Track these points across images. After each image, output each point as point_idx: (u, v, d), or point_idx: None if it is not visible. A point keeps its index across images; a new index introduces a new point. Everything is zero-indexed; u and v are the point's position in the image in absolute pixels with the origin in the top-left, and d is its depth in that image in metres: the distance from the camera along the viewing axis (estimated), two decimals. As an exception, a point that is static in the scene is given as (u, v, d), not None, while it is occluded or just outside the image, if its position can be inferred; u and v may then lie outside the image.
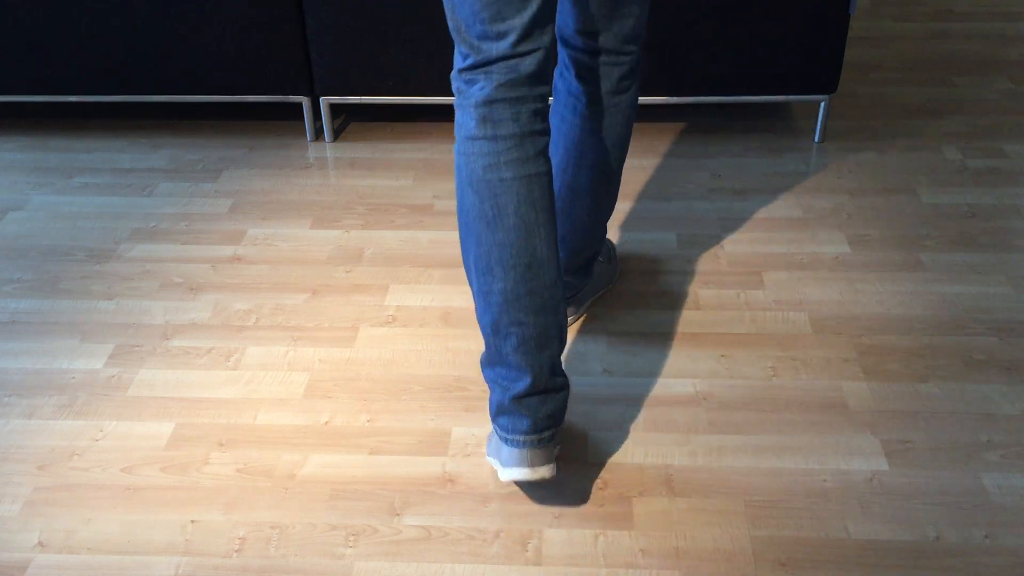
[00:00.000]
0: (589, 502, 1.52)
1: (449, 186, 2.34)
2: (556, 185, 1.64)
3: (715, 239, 2.13)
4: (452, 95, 2.44)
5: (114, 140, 2.59)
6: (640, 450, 1.61)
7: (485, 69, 1.35)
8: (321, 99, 2.49)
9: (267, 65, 2.43)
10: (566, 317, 1.45)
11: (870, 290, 1.96)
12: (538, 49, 1.34)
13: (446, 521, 1.50)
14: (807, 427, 1.65)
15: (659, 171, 2.39)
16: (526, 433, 1.43)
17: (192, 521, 1.51)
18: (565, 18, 1.52)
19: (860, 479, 1.55)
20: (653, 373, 1.77)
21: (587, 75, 1.55)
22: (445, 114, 2.67)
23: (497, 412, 1.46)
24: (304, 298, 1.98)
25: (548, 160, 1.39)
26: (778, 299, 1.94)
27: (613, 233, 2.16)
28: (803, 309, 1.91)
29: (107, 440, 1.66)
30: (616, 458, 1.60)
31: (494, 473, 1.57)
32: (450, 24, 1.36)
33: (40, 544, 1.48)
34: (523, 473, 1.44)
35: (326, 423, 1.68)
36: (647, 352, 1.82)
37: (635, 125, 2.60)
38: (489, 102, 1.35)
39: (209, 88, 2.47)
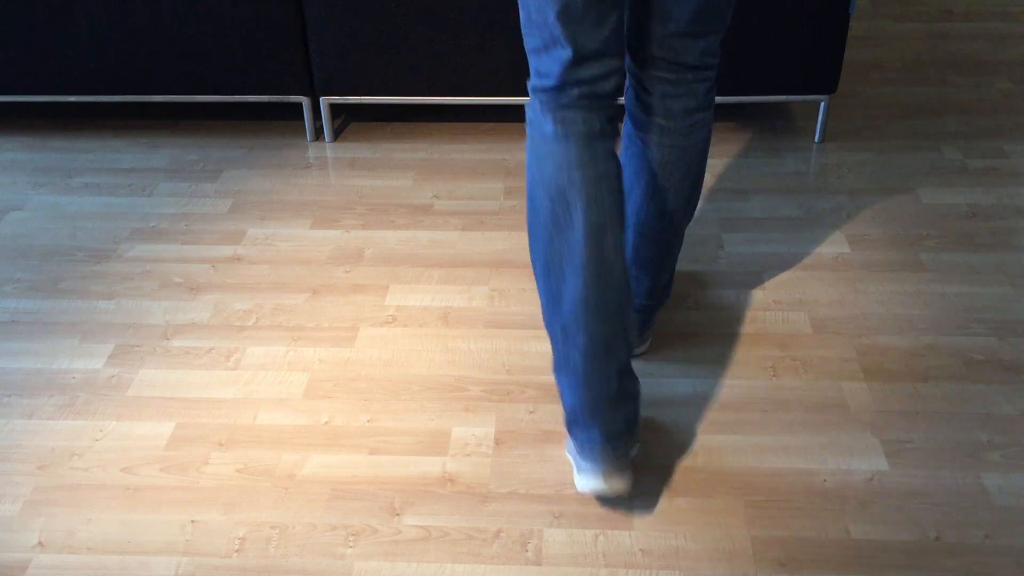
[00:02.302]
0: (589, 502, 1.52)
1: (449, 186, 2.34)
2: (643, 212, 1.59)
3: (715, 239, 2.13)
4: (452, 95, 2.45)
5: (114, 140, 2.59)
6: (640, 450, 1.61)
7: (558, 87, 1.35)
8: (321, 99, 2.49)
9: (267, 65, 2.43)
10: (633, 324, 1.44)
11: (870, 290, 1.96)
12: (612, 73, 1.35)
13: (446, 521, 1.50)
14: (807, 427, 1.65)
15: (659, 171, 2.39)
16: (600, 443, 1.42)
17: (192, 521, 1.51)
18: (646, 36, 1.45)
19: (860, 479, 1.55)
20: (653, 373, 1.77)
21: (671, 93, 1.48)
22: (445, 114, 2.67)
23: (570, 421, 1.44)
24: (304, 298, 1.98)
25: (618, 162, 1.38)
26: (778, 299, 1.94)
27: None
28: (803, 309, 1.91)
29: (107, 440, 1.66)
30: (616, 458, 1.60)
31: (494, 473, 1.58)
32: (526, 42, 1.36)
33: (40, 544, 1.48)
34: (598, 486, 1.44)
35: (326, 423, 1.68)
36: (647, 352, 1.82)
37: (635, 125, 2.60)
38: (564, 106, 1.35)
39: (209, 88, 2.47)
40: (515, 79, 2.42)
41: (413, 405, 1.72)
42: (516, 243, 2.13)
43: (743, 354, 1.81)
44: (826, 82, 2.38)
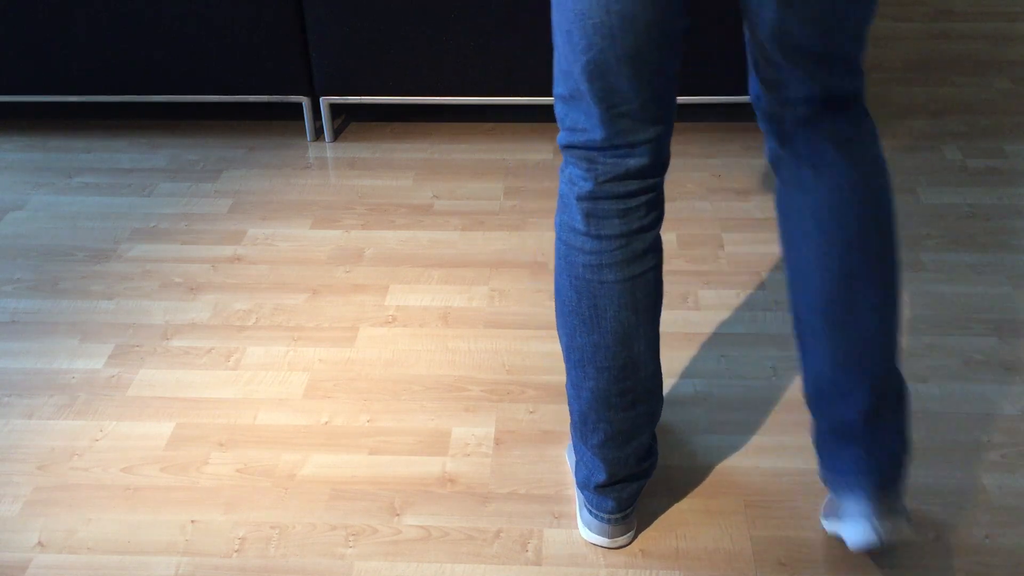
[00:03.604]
0: (589, 502, 1.52)
1: (449, 186, 2.34)
2: (825, 288, 1.25)
3: (715, 239, 2.13)
4: (452, 95, 2.45)
5: (114, 140, 2.59)
6: (640, 450, 1.61)
7: (587, 155, 1.21)
8: (321, 99, 2.49)
9: (267, 65, 2.43)
10: (660, 402, 1.38)
11: (870, 290, 1.96)
12: (650, 141, 1.20)
13: (446, 521, 1.50)
14: (807, 427, 1.65)
15: (659, 171, 2.39)
16: (610, 512, 1.42)
17: (192, 521, 1.51)
18: (785, 75, 1.20)
19: (860, 479, 1.55)
20: (653, 373, 1.77)
21: (817, 119, 1.23)
22: (445, 114, 2.67)
23: (582, 486, 1.43)
24: (304, 298, 1.98)
25: (656, 254, 1.26)
26: (778, 299, 1.94)
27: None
28: (803, 309, 1.91)
29: (107, 440, 1.66)
30: (616, 458, 1.60)
31: (494, 473, 1.58)
32: (556, 84, 1.20)
33: (40, 544, 1.48)
34: (603, 542, 1.44)
35: (326, 423, 1.68)
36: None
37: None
38: (593, 197, 1.21)
39: (209, 88, 2.47)
40: (515, 79, 2.42)
41: (413, 405, 1.71)
42: (516, 243, 2.13)
43: (743, 354, 1.81)
44: (826, 82, 2.38)
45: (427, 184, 2.36)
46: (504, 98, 2.45)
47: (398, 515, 1.51)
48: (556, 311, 1.33)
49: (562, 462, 1.59)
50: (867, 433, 1.28)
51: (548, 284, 2.00)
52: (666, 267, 2.04)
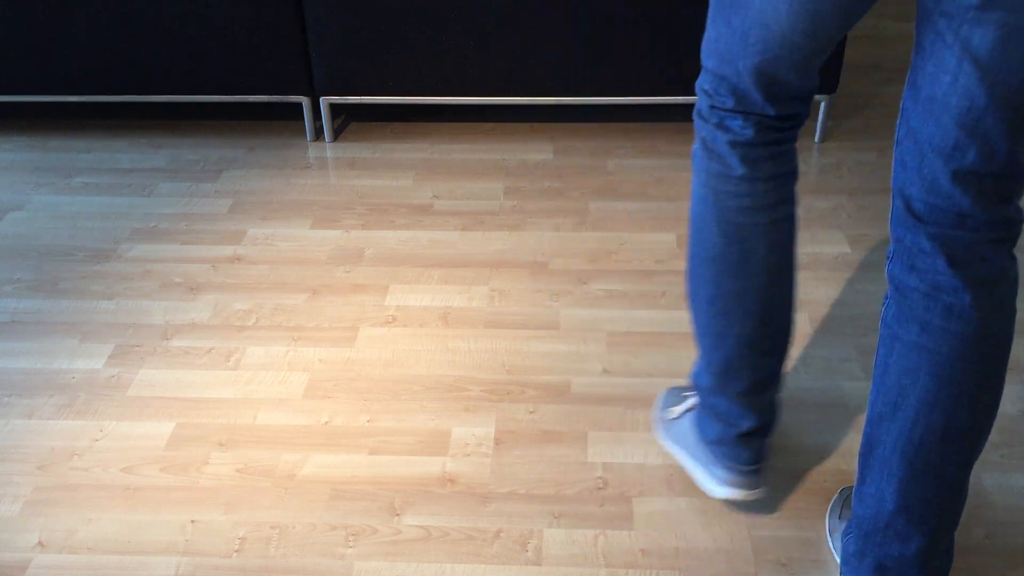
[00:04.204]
0: (589, 502, 1.52)
1: (449, 186, 2.34)
2: (917, 437, 1.18)
3: (715, 239, 2.13)
4: (452, 95, 2.45)
5: (114, 140, 2.59)
6: (640, 450, 1.61)
7: (743, 114, 1.24)
8: (321, 99, 2.49)
9: (267, 65, 2.43)
10: (788, 352, 1.41)
11: (870, 290, 1.96)
12: (800, 113, 1.25)
13: (446, 521, 1.50)
14: (807, 427, 1.65)
15: (659, 171, 2.39)
16: (748, 464, 1.43)
17: (192, 521, 1.51)
18: (932, 173, 1.09)
19: (860, 479, 1.55)
20: (653, 373, 1.77)
21: (963, 252, 1.10)
22: (445, 114, 2.67)
23: (717, 440, 1.43)
24: (304, 298, 1.98)
25: (795, 197, 1.29)
26: (778, 299, 1.94)
27: (616, 238, 2.16)
28: (803, 309, 1.91)
29: (107, 440, 1.66)
30: (616, 458, 1.60)
31: (494, 473, 1.58)
32: (709, 58, 1.22)
33: (40, 544, 1.48)
34: (740, 495, 1.45)
35: (326, 423, 1.68)
36: (647, 352, 1.82)
37: (636, 125, 2.60)
38: (751, 144, 1.24)
39: (209, 88, 2.47)
40: (515, 79, 2.42)
41: (413, 405, 1.71)
42: (516, 243, 2.13)
43: (743, 354, 1.81)
44: (826, 82, 2.38)
45: (427, 184, 2.36)
46: (504, 98, 2.45)
47: (398, 515, 1.51)
48: (693, 268, 1.34)
49: (562, 462, 1.59)
50: (919, 567, 1.25)
51: (548, 284, 2.00)
52: (666, 267, 2.04)
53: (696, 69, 2.37)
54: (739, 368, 1.36)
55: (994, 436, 1.62)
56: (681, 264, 2.05)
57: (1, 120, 2.69)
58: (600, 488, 1.55)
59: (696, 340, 1.40)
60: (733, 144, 1.25)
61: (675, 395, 1.60)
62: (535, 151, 2.49)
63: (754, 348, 1.34)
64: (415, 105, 2.69)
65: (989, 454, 1.59)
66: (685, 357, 1.80)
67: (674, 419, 1.55)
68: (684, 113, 2.63)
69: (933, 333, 1.13)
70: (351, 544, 1.47)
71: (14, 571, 1.43)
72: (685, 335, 1.86)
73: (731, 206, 1.27)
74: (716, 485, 1.46)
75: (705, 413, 1.44)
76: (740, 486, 1.44)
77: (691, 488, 1.54)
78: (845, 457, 1.58)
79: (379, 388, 1.75)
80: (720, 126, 1.26)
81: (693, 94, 2.42)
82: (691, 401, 1.51)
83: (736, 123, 1.24)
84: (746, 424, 1.40)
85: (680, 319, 1.90)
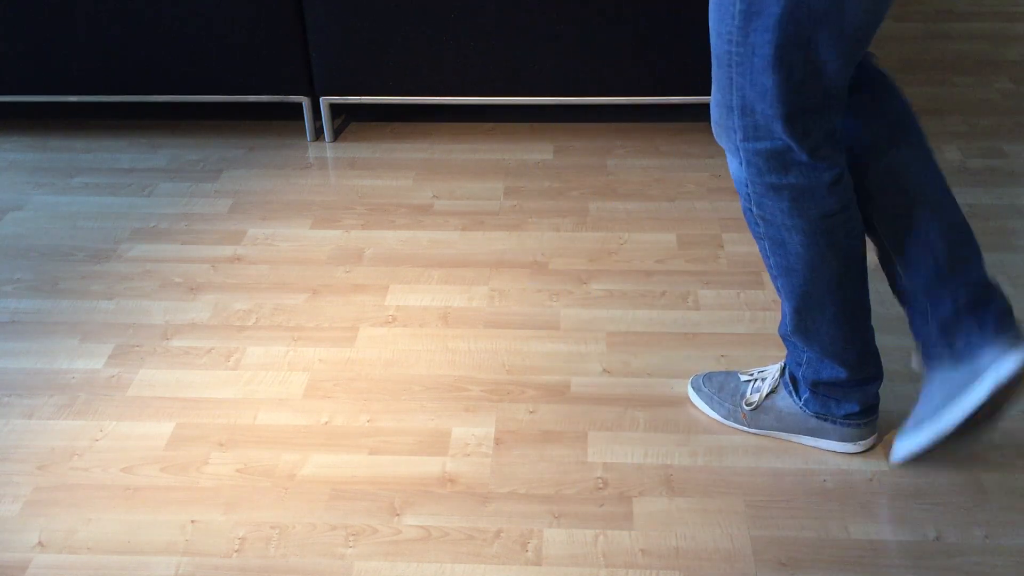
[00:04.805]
0: (589, 502, 1.52)
1: (449, 186, 2.34)
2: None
3: (715, 239, 2.13)
4: (452, 95, 2.45)
5: (114, 140, 2.59)
6: (640, 450, 1.61)
7: (836, 147, 1.35)
8: (321, 99, 2.49)
9: (267, 65, 2.43)
10: None
11: (870, 290, 1.96)
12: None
13: (446, 521, 1.50)
14: (807, 427, 1.65)
15: (659, 171, 2.39)
16: (873, 417, 1.58)
17: (192, 521, 1.51)
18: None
19: (860, 479, 1.55)
20: (653, 373, 1.77)
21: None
22: (445, 114, 2.67)
23: (857, 413, 1.55)
24: (304, 298, 1.98)
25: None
26: (778, 299, 1.94)
27: (616, 238, 2.16)
28: (803, 309, 1.91)
29: (107, 440, 1.66)
30: (616, 458, 1.60)
31: (494, 473, 1.57)
32: (799, 99, 1.29)
33: (40, 544, 1.48)
34: (869, 443, 1.59)
35: (326, 423, 1.68)
36: (647, 352, 1.82)
37: (636, 125, 2.61)
38: (839, 179, 1.36)
39: (209, 88, 2.47)
40: (515, 79, 2.42)
41: (413, 405, 1.71)
42: (516, 243, 2.13)
43: (743, 354, 1.81)
44: (826, 82, 2.38)
45: (427, 184, 2.36)
46: (504, 98, 2.45)
47: (398, 515, 1.51)
48: (809, 305, 1.46)
49: (562, 461, 1.59)
50: (995, 283, 1.46)
51: (548, 284, 2.00)
52: (666, 267, 2.04)
53: (696, 71, 2.37)
54: (872, 353, 1.52)
55: (994, 436, 1.62)
56: (681, 264, 2.05)
57: (1, 120, 2.69)
58: (600, 488, 1.55)
59: (817, 351, 1.51)
60: (833, 183, 1.35)
61: (726, 383, 1.66)
62: (535, 151, 2.49)
63: (869, 325, 1.51)
64: (415, 105, 2.69)
65: (989, 454, 1.59)
66: (685, 357, 1.80)
67: (758, 407, 1.62)
68: (684, 113, 2.63)
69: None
70: (351, 544, 1.47)
71: (14, 571, 1.43)
72: (685, 335, 1.86)
73: (845, 240, 1.40)
74: (847, 445, 1.58)
75: (829, 397, 1.55)
76: (871, 435, 1.58)
77: (691, 488, 1.54)
78: (846, 457, 1.58)
79: (379, 388, 1.75)
80: (814, 172, 1.35)
81: (693, 94, 2.42)
82: (764, 385, 1.61)
83: (834, 158, 1.35)
84: (876, 371, 1.54)
85: (680, 319, 1.90)
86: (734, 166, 1.40)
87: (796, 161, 1.33)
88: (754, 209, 1.40)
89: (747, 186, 1.38)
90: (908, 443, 1.47)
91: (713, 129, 1.39)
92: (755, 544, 1.45)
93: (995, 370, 1.39)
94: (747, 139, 1.33)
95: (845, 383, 1.53)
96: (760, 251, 1.47)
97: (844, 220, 1.38)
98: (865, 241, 1.45)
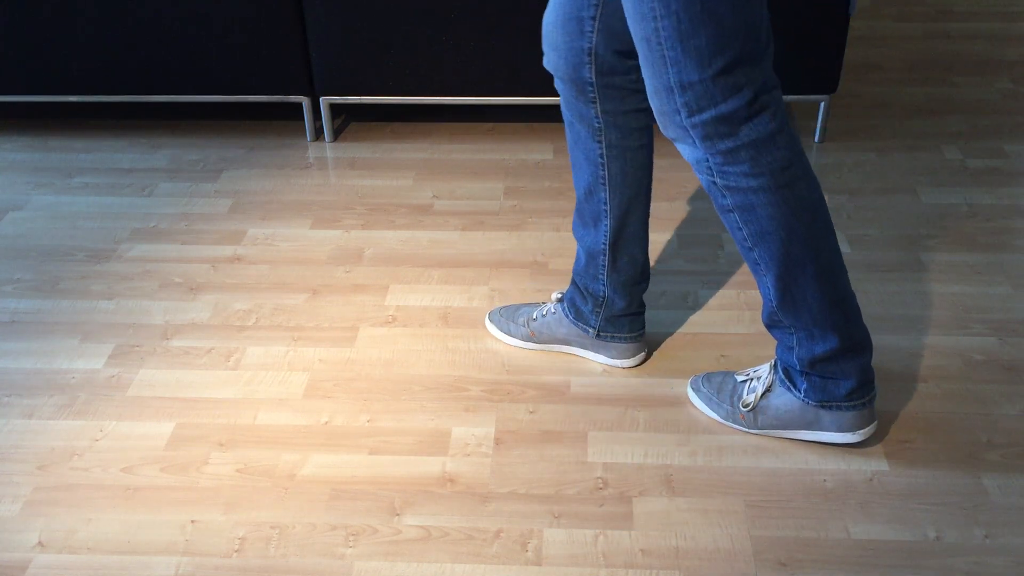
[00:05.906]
0: (589, 502, 1.52)
1: (449, 186, 2.34)
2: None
3: (715, 239, 2.13)
4: (452, 95, 2.45)
5: (114, 140, 2.59)
6: (640, 450, 1.61)
7: (773, 95, 1.36)
8: (321, 99, 2.49)
9: (267, 65, 2.43)
10: None
11: (870, 290, 1.96)
12: None
13: (446, 521, 1.50)
14: (807, 427, 1.65)
15: (659, 171, 2.39)
16: (873, 396, 1.58)
17: (192, 521, 1.51)
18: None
19: (860, 479, 1.55)
20: (653, 373, 1.77)
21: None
22: (445, 114, 2.67)
23: (857, 388, 1.55)
24: (304, 298, 1.98)
25: None
26: (778, 299, 1.94)
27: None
28: (803, 309, 1.91)
29: (107, 440, 1.66)
30: (616, 458, 1.60)
31: (494, 473, 1.58)
32: (731, 51, 1.30)
33: (40, 544, 1.48)
34: (872, 429, 1.60)
35: (326, 423, 1.68)
36: (647, 353, 1.82)
37: (635, 125, 2.60)
38: (783, 128, 1.37)
39: (209, 88, 2.47)
40: (515, 79, 2.42)
41: (413, 405, 1.72)
42: (516, 243, 2.13)
43: (743, 354, 1.81)
44: (826, 82, 2.38)
45: (427, 184, 2.36)
46: (504, 98, 2.46)
47: (398, 515, 1.51)
48: (815, 251, 1.44)
49: (562, 461, 1.59)
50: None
51: (548, 284, 2.00)
52: (666, 267, 2.04)
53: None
54: (856, 311, 1.52)
55: (994, 436, 1.62)
56: (681, 264, 2.05)
57: (1, 120, 2.70)
58: (600, 488, 1.55)
59: (806, 322, 1.50)
60: (781, 130, 1.38)
61: (724, 384, 1.66)
62: (535, 151, 2.49)
63: (848, 281, 1.51)
64: (415, 105, 2.69)
65: (989, 454, 1.59)
66: (684, 357, 1.80)
67: (755, 406, 1.61)
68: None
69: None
70: (351, 544, 1.47)
71: (14, 571, 1.43)
72: (685, 335, 1.86)
73: (811, 184, 1.42)
74: (851, 435, 1.58)
75: (828, 377, 1.54)
76: (872, 418, 1.58)
77: (691, 488, 1.54)
78: (846, 457, 1.59)
79: (379, 388, 1.75)
80: (770, 120, 1.36)
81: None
82: (759, 384, 1.61)
83: (780, 108, 1.38)
84: (869, 356, 1.54)
85: (679, 319, 1.90)
86: (687, 151, 1.40)
87: (741, 118, 1.34)
88: (718, 181, 1.40)
89: (707, 161, 1.39)
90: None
91: (658, 122, 1.40)
92: (755, 544, 1.45)
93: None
94: (691, 114, 1.34)
95: (839, 354, 1.51)
96: (730, 228, 1.46)
97: (802, 171, 1.39)
98: (823, 195, 1.48)
